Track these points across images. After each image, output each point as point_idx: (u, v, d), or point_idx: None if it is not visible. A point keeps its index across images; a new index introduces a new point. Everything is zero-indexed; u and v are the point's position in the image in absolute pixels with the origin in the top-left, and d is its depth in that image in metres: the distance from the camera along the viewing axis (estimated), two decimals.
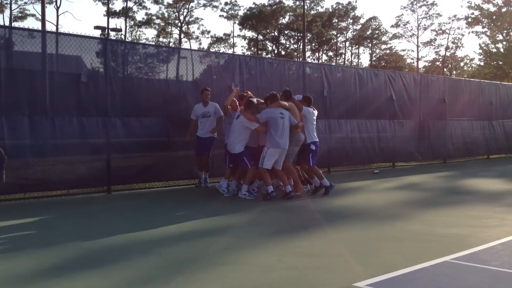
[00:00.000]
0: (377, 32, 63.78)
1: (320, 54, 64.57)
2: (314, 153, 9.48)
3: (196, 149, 10.10)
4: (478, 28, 43.10)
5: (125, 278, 4.43)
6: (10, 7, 48.20)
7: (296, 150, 9.32)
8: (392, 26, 75.41)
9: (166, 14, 55.51)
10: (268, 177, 8.81)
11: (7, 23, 44.46)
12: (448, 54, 60.95)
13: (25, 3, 48.98)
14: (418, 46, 60.30)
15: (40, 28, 20.01)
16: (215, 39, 60.24)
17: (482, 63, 45.84)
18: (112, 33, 42.13)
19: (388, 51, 64.85)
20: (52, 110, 8.86)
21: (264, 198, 8.75)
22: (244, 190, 8.90)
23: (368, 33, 63.63)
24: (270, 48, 63.12)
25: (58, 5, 43.93)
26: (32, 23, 59.88)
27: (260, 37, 62.47)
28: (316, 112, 9.87)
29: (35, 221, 7.05)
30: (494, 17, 39.23)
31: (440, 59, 61.66)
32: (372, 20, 63.04)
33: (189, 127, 10.12)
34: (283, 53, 60.48)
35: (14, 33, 8.88)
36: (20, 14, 49.65)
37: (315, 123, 9.71)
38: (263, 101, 9.26)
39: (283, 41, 63.27)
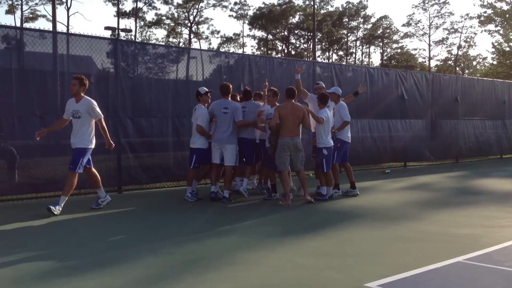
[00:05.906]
0: (388, 31, 63.52)
1: (330, 54, 64.47)
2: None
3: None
4: (491, 26, 42.62)
5: (136, 277, 4.45)
6: (21, 8, 48.76)
7: (299, 156, 8.34)
8: (403, 25, 74.84)
9: (176, 14, 55.82)
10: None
11: (18, 24, 44.86)
12: (460, 53, 60.59)
13: (36, 4, 49.61)
14: (430, 45, 59.98)
15: (51, 29, 20.12)
16: (224, 39, 60.50)
17: (495, 62, 45.48)
18: (122, 34, 42.39)
19: (399, 50, 64.51)
20: (63, 110, 8.89)
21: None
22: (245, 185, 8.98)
23: (379, 32, 63.39)
24: (280, 48, 63.16)
25: (69, 6, 44.54)
26: (43, 24, 60.62)
27: (270, 36, 62.51)
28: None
29: (46, 221, 7.08)
30: (507, 16, 38.81)
31: (453, 58, 61.25)
32: (383, 19, 62.84)
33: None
34: (293, 52, 60.45)
35: (25, 34, 8.95)
36: (31, 15, 50.31)
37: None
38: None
39: (293, 41, 63.33)
